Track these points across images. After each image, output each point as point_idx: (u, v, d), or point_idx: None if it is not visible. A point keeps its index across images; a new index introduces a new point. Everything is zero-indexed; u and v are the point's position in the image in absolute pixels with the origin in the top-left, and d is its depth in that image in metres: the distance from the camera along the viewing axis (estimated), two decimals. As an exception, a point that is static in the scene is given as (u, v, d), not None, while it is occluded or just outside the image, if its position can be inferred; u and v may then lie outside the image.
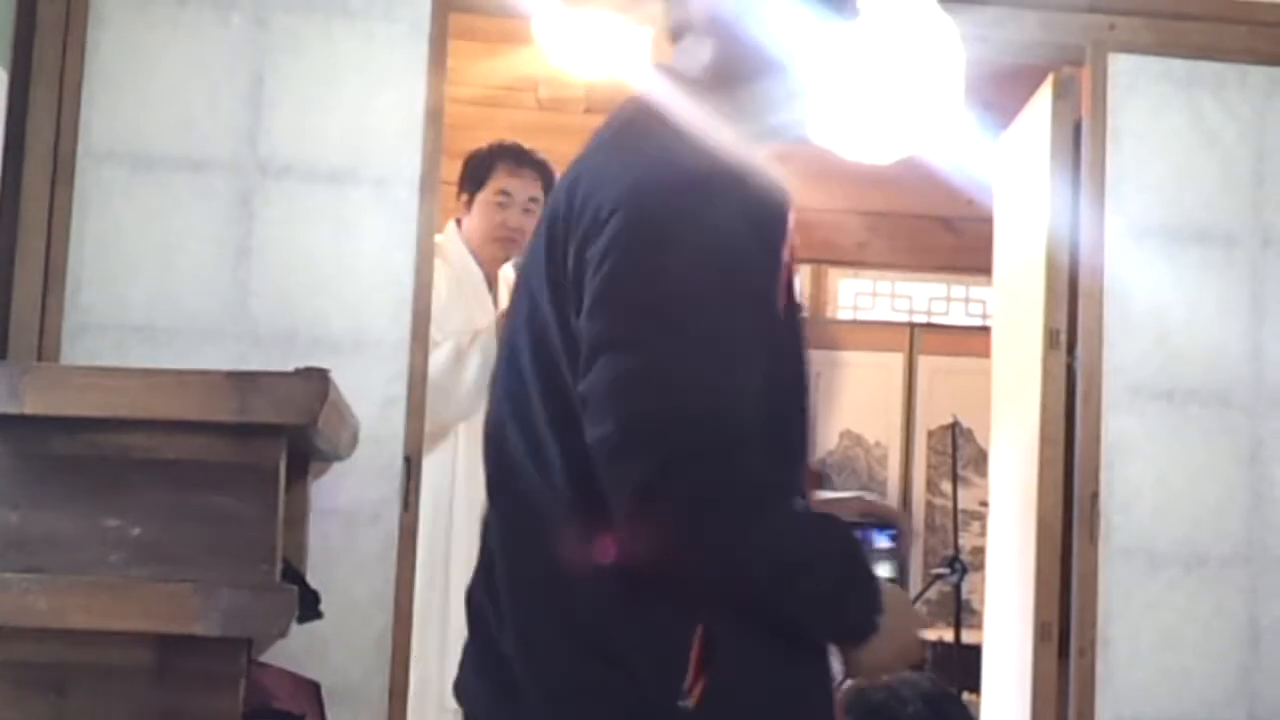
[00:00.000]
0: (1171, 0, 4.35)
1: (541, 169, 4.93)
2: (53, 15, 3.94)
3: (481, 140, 6.29)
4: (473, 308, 4.78)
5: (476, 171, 4.90)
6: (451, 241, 4.79)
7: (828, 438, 6.67)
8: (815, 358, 6.36)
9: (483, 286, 4.88)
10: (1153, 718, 4.18)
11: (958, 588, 5.54)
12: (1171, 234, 4.32)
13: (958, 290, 7.50)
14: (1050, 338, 4.51)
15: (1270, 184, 4.35)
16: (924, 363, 6.76)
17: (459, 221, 4.92)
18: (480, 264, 4.85)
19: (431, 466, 4.33)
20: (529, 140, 6.44)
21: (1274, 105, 4.38)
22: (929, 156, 4.67)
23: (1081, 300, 4.31)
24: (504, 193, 4.86)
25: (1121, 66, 4.34)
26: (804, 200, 7.08)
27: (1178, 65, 4.35)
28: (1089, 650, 4.17)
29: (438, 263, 4.35)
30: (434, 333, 4.20)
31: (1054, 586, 4.39)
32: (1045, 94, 4.63)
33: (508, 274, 4.95)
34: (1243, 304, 4.32)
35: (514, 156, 4.91)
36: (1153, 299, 4.28)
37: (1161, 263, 4.30)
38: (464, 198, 4.91)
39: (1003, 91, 4.92)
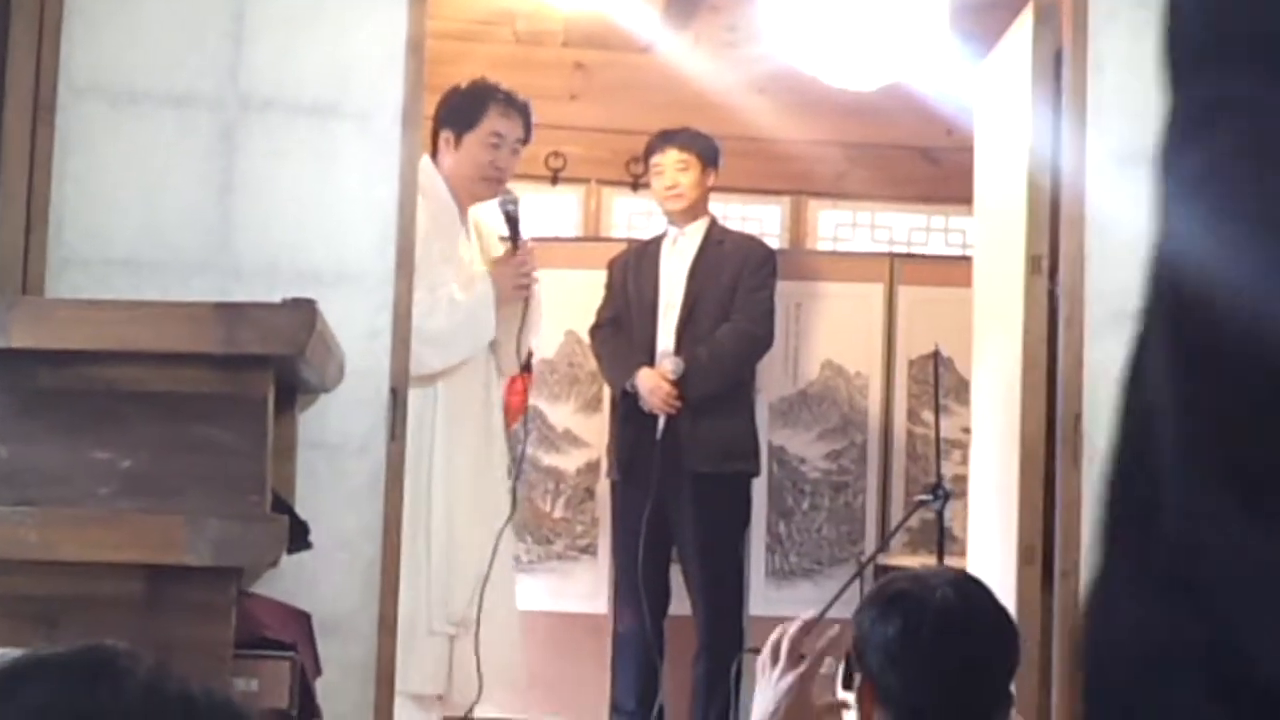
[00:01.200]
0: (1151, -75, 4.35)
1: (525, 112, 4.95)
2: (31, -50, 3.92)
3: (460, 75, 6.27)
4: (450, 243, 4.79)
5: (467, 111, 4.89)
6: (427, 176, 4.78)
7: (808, 369, 6.69)
8: (796, 289, 6.40)
9: (458, 223, 4.90)
10: (1135, 639, 4.21)
11: (940, 515, 5.56)
12: (1152, 159, 4.31)
13: (937, 220, 7.50)
14: (1032, 264, 4.52)
15: (1250, 108, 4.36)
16: (904, 293, 6.76)
17: (434, 156, 4.91)
18: (456, 200, 4.86)
19: (413, 402, 4.37)
20: (507, 75, 6.42)
21: (1254, 29, 4.37)
22: (911, 84, 4.67)
23: (1063, 226, 4.33)
24: (497, 134, 4.87)
25: (1102, -9, 4.34)
26: (783, 132, 7.12)
27: (1158, -10, 4.35)
28: (1072, 572, 4.20)
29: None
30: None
31: (1037, 510, 4.42)
32: (1026, 21, 4.63)
33: (475, 214, 4.97)
34: (1223, 228, 4.33)
35: (505, 98, 4.91)
36: (1134, 224, 4.28)
37: (1143, 188, 4.26)
38: (448, 135, 4.90)
39: (983, 19, 4.92)
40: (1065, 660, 4.16)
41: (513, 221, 4.93)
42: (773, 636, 2.71)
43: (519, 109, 4.93)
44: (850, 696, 2.58)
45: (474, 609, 4.65)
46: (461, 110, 4.89)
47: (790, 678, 2.65)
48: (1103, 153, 4.30)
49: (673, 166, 6.02)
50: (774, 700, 2.65)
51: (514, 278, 4.84)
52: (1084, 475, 4.23)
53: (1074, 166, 4.30)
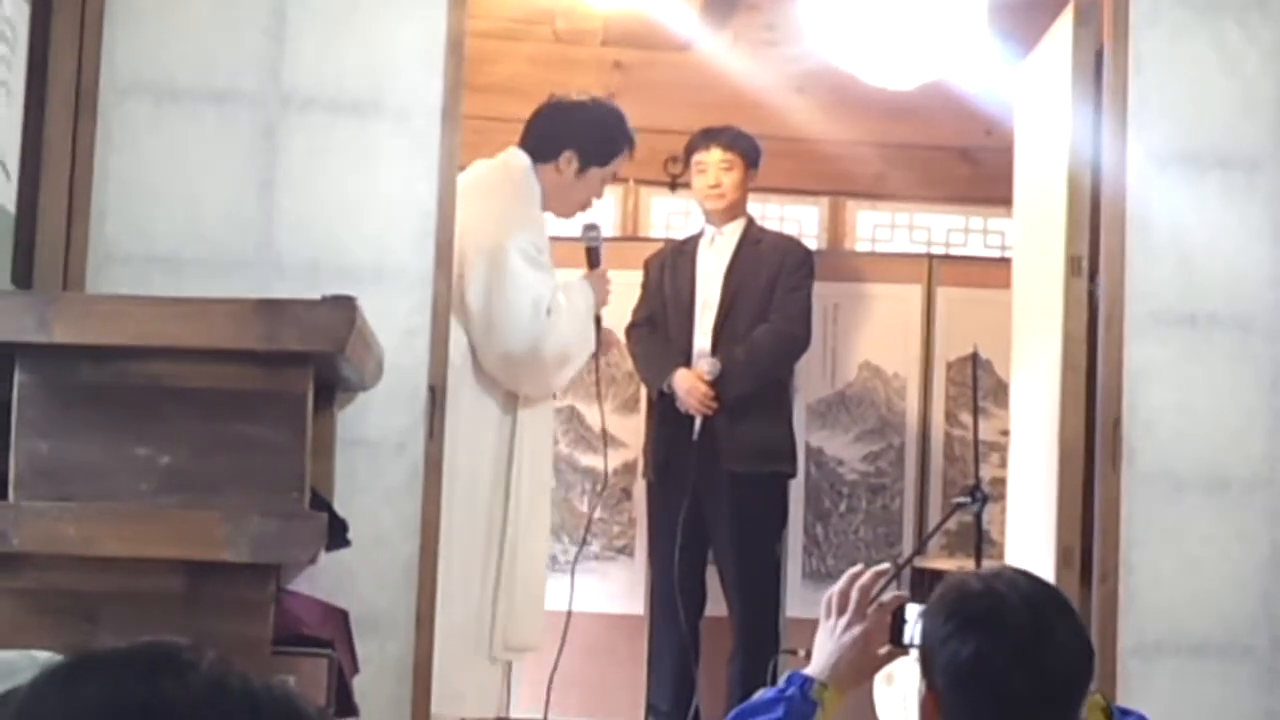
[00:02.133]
0: (1193, -75, 4.33)
1: None
2: (73, -52, 3.94)
3: (500, 74, 6.30)
4: (544, 252, 4.71)
5: (607, 145, 4.82)
6: (532, 184, 4.73)
7: (846, 370, 6.68)
8: (834, 290, 6.39)
9: (539, 218, 4.83)
10: (1175, 642, 4.20)
11: (978, 517, 5.54)
12: (1193, 160, 4.31)
13: (976, 221, 7.47)
14: (1072, 264, 4.51)
15: (1292, 109, 4.35)
16: (942, 294, 6.74)
17: (539, 164, 4.79)
18: (545, 202, 4.81)
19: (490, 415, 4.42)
20: (546, 73, 6.44)
21: (1296, 30, 4.36)
22: (950, 83, 4.66)
23: (1103, 227, 4.31)
24: (616, 175, 4.90)
25: (1143, -8, 4.32)
26: (821, 132, 7.10)
27: (1199, -10, 4.34)
28: (1111, 575, 4.19)
29: (525, 199, 4.40)
30: (533, 276, 4.35)
31: (1076, 512, 4.41)
32: (1066, 21, 4.61)
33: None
34: (1264, 229, 4.31)
35: (633, 143, 4.90)
36: (1175, 225, 4.28)
37: (1183, 188, 4.29)
38: (572, 156, 4.77)
39: (1023, 19, 4.90)
40: (1104, 664, 4.14)
41: (594, 253, 4.93)
42: (841, 583, 2.70)
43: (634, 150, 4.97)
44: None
45: (539, 635, 4.67)
46: (602, 141, 4.81)
47: (856, 630, 2.64)
48: (1143, 153, 4.28)
49: (716, 165, 6.01)
50: (836, 651, 2.65)
51: (604, 288, 4.86)
52: (1123, 477, 4.21)
53: (1114, 167, 4.29)
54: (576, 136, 4.77)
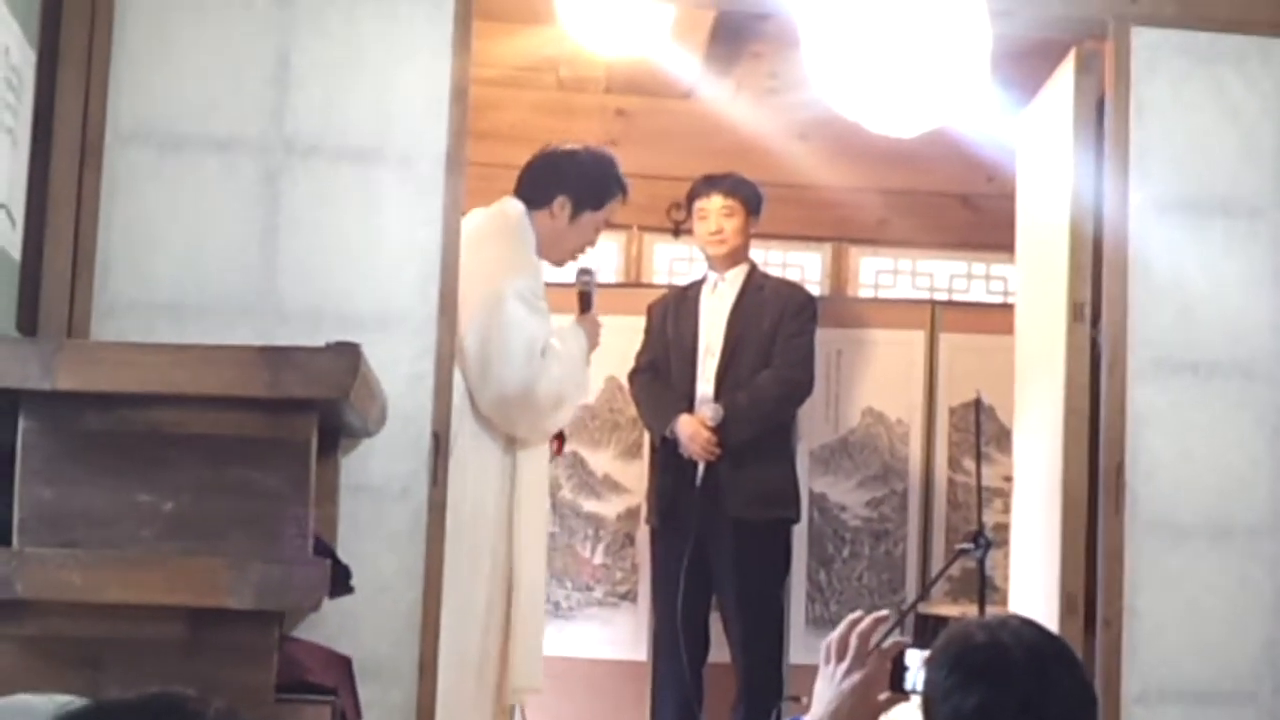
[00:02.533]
0: (1194, -27, 4.36)
1: None
2: (79, -4, 3.96)
3: (503, 120, 6.33)
4: (540, 296, 4.72)
5: (599, 189, 4.84)
6: (524, 229, 4.74)
7: (849, 416, 6.69)
8: (836, 336, 6.39)
9: (535, 264, 4.85)
10: (1179, 689, 4.19)
11: (981, 563, 5.54)
12: (1195, 207, 4.32)
13: (978, 267, 7.49)
14: (1074, 311, 4.51)
15: (1292, 156, 4.36)
16: (945, 340, 6.75)
17: (533, 211, 4.81)
18: (539, 250, 4.83)
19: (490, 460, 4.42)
20: (549, 121, 6.46)
21: (1296, 78, 4.38)
22: (953, 131, 4.67)
23: (1106, 273, 4.32)
24: (609, 222, 4.91)
25: (1144, 40, 4.34)
26: (824, 179, 7.11)
27: (1200, 39, 4.35)
28: (1115, 622, 4.18)
29: (522, 243, 4.42)
30: (530, 321, 4.37)
31: (1079, 559, 4.41)
32: (1068, 68, 4.63)
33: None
34: (1266, 276, 4.33)
35: (625, 190, 4.91)
36: (1176, 271, 4.29)
37: (1185, 235, 4.31)
38: (565, 201, 4.78)
39: (1025, 66, 4.92)
40: (1108, 711, 4.14)
41: (587, 298, 4.95)
42: (840, 629, 2.69)
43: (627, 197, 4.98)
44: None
45: (539, 677, 4.66)
46: (593, 187, 4.83)
47: (856, 677, 2.63)
48: (1145, 200, 4.30)
49: (718, 212, 6.02)
50: (836, 697, 2.64)
51: (596, 332, 4.87)
52: (1126, 524, 4.21)
53: (1116, 213, 4.30)
54: (569, 182, 4.80)
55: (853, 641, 2.67)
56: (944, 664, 2.36)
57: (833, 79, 4.02)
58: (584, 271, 4.96)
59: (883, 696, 2.66)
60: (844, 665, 2.66)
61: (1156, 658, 4.19)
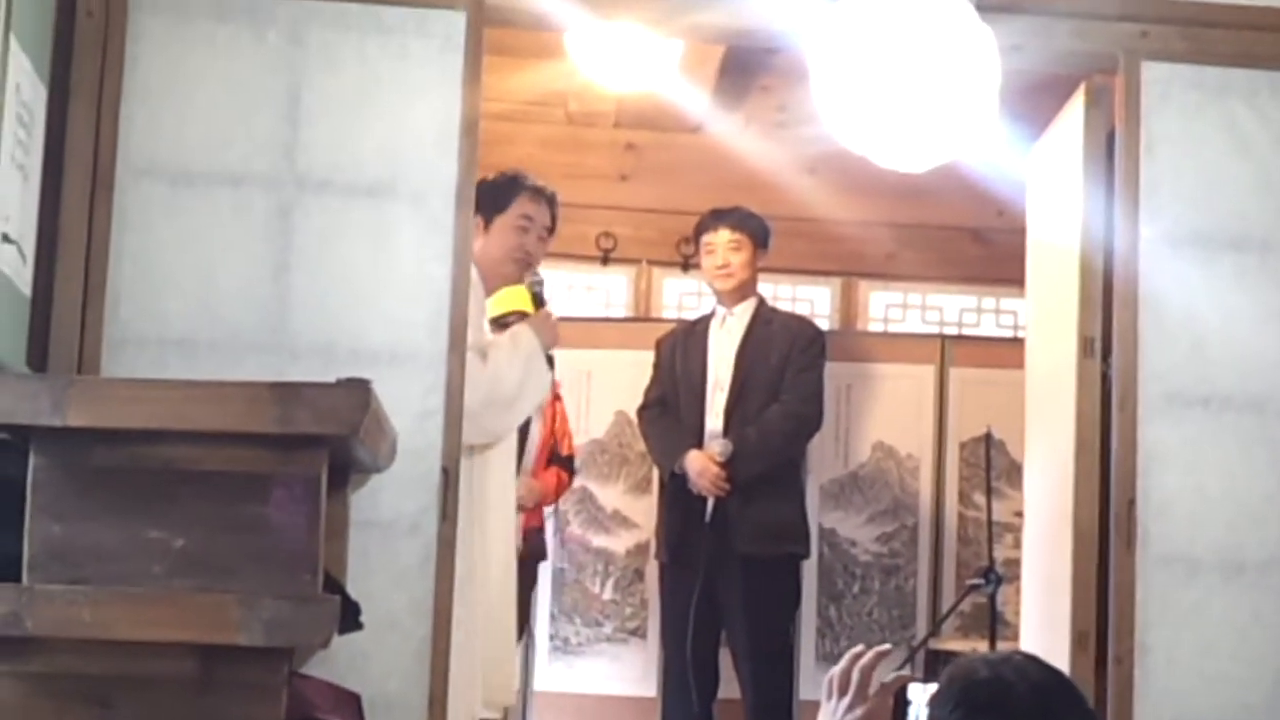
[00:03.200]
0: (1203, 8, 4.35)
1: (553, 201, 4.96)
2: (91, 31, 3.96)
3: (513, 155, 6.33)
4: (479, 322, 4.78)
5: (498, 196, 4.88)
6: None
7: (859, 450, 6.68)
8: (846, 370, 6.38)
9: (483, 305, 4.89)
10: (1192, 726, 4.18)
11: (993, 599, 5.53)
12: (1205, 241, 4.32)
13: (988, 301, 7.50)
14: (1085, 345, 4.51)
15: (1303, 191, 4.36)
16: (955, 374, 6.75)
17: None
18: (484, 283, 4.85)
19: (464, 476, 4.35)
20: (559, 155, 6.48)
21: (1307, 112, 4.38)
22: (963, 165, 4.67)
23: (1116, 308, 4.31)
24: (526, 216, 4.87)
25: (1154, 75, 4.34)
26: (833, 213, 7.12)
27: (1210, 73, 4.35)
28: (1127, 659, 4.17)
29: None
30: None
31: (1091, 595, 4.39)
32: (1078, 103, 4.63)
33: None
34: (1277, 310, 4.32)
35: (533, 186, 4.92)
36: (1187, 306, 4.28)
37: (1196, 270, 4.30)
38: (478, 220, 4.86)
39: (1035, 100, 4.92)
40: (1120, 747, 4.12)
41: (539, 300, 4.93)
42: (842, 664, 2.67)
43: (547, 197, 4.95)
44: None
45: (511, 692, 4.62)
46: (491, 196, 4.86)
47: (858, 711, 2.62)
48: (1156, 234, 4.30)
49: (725, 246, 6.02)
50: None
51: (550, 328, 4.83)
52: (1138, 559, 4.20)
53: (1127, 248, 4.30)
54: (475, 204, 4.84)
55: (855, 676, 2.66)
56: (948, 700, 2.35)
57: (842, 114, 4.02)
58: (534, 280, 4.96)
59: None
60: (846, 700, 2.64)
61: (1169, 694, 4.17)
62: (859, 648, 2.71)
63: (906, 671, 2.68)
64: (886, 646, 2.77)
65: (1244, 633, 4.21)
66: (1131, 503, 4.21)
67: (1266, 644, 4.21)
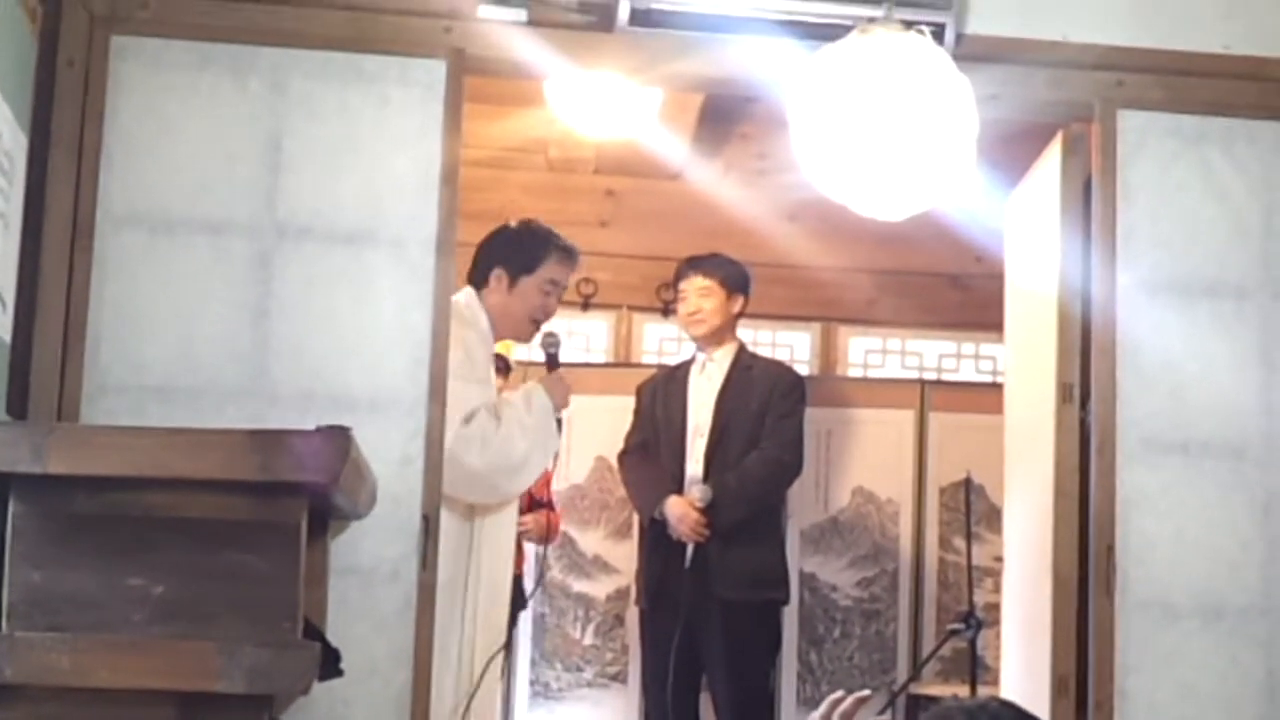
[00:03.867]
0: (1180, 57, 4.38)
1: (577, 261, 4.98)
2: (72, 81, 3.98)
3: (494, 201, 6.35)
4: (488, 374, 4.79)
5: (527, 253, 4.84)
6: (471, 309, 4.75)
7: (839, 495, 6.69)
8: (826, 415, 6.37)
9: (492, 357, 4.90)
10: (1172, 771, 4.18)
11: (973, 644, 5.53)
12: (1183, 288, 4.34)
13: (967, 347, 7.52)
14: (1064, 392, 4.53)
15: (1280, 238, 4.39)
16: (935, 419, 6.77)
17: (477, 287, 4.88)
18: (494, 335, 4.85)
19: (450, 526, 4.35)
20: (539, 201, 6.48)
21: (1283, 159, 4.41)
22: (941, 213, 4.69)
23: (1094, 354, 4.33)
24: (553, 281, 4.87)
25: (1131, 123, 4.37)
26: (813, 259, 7.13)
27: (1187, 121, 4.38)
28: (1106, 704, 4.17)
29: (460, 321, 4.39)
30: (465, 390, 4.31)
31: (1070, 640, 4.40)
32: (1055, 151, 4.66)
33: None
34: (1254, 357, 4.34)
35: (563, 247, 4.89)
36: (1165, 352, 4.30)
37: (1173, 316, 4.32)
38: (501, 274, 4.81)
39: (1013, 148, 4.95)
40: (1100, 793, 4.13)
41: (553, 361, 4.93)
42: (822, 709, 2.68)
43: (575, 259, 4.95)
44: None
45: None
46: (519, 251, 4.84)
47: None
48: (1133, 281, 4.32)
49: (695, 292, 6.02)
50: None
51: (563, 390, 4.84)
52: (1117, 605, 4.21)
53: (1104, 295, 4.32)
54: (499, 255, 4.82)
55: None
56: None
57: (821, 162, 4.04)
58: (548, 334, 4.96)
59: None
60: None
61: (1149, 740, 4.18)
62: (839, 693, 2.71)
63: (886, 717, 2.69)
64: (866, 692, 2.78)
65: (1223, 677, 4.22)
66: (1110, 548, 4.22)
67: (1245, 688, 4.21)
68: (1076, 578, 4.43)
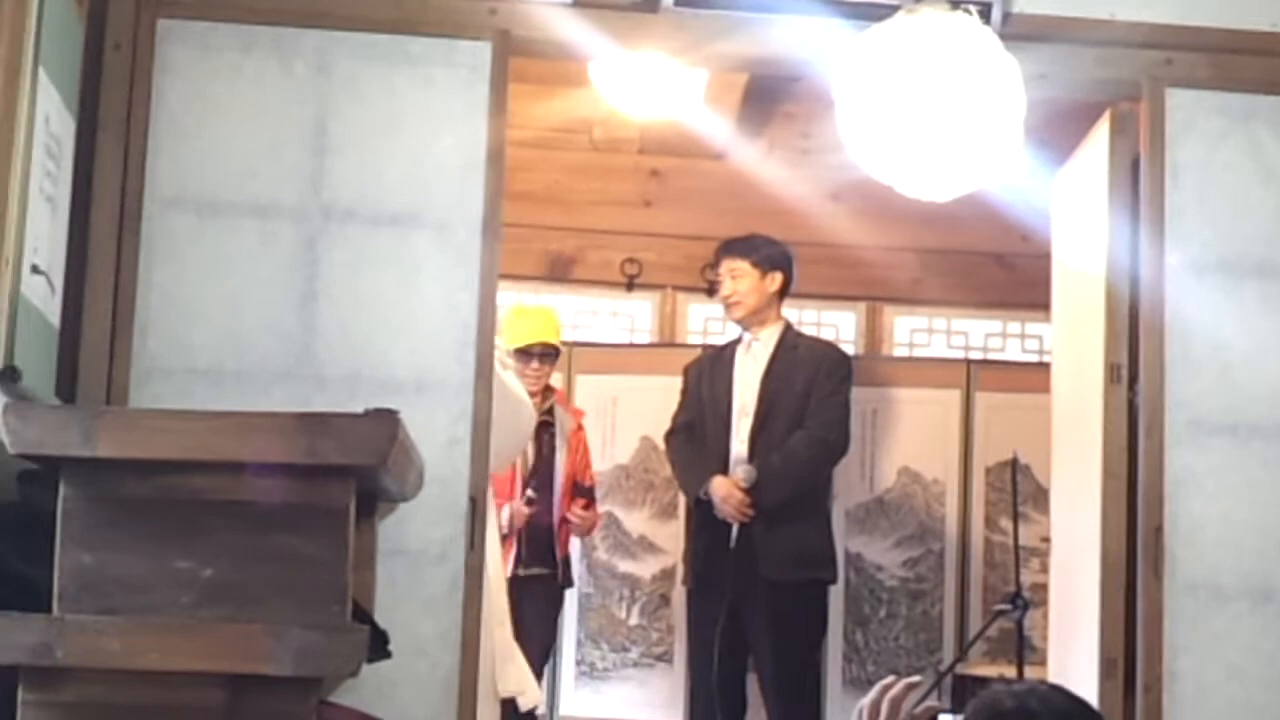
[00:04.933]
0: (1228, 35, 4.35)
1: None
2: (119, 64, 3.99)
3: (538, 181, 6.34)
4: None
5: None
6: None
7: (885, 475, 6.68)
8: (871, 395, 6.36)
9: None
10: (1220, 753, 4.16)
11: (1020, 624, 5.51)
12: (1231, 267, 4.31)
13: (1013, 326, 7.49)
14: (1112, 372, 4.50)
15: (1329, 216, 4.35)
16: (981, 399, 6.75)
17: None
18: None
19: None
20: (583, 181, 6.48)
21: (1332, 137, 4.37)
22: (988, 193, 4.67)
23: (1143, 335, 4.31)
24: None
25: (1179, 101, 4.34)
26: (859, 238, 7.12)
27: (1235, 99, 4.35)
28: (1155, 686, 4.15)
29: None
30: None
31: (1119, 622, 4.38)
32: (1103, 130, 4.63)
33: None
34: (1303, 337, 4.31)
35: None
36: (1214, 333, 4.27)
37: (1222, 296, 4.29)
38: None
39: (1060, 127, 4.92)
40: (1148, 775, 4.11)
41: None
42: (872, 694, 2.68)
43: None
44: None
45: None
46: None
47: None
48: (1181, 261, 4.29)
49: (729, 275, 6.02)
50: None
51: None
52: (1165, 587, 4.19)
53: (1152, 275, 4.29)
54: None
55: (884, 707, 2.66)
56: None
57: (866, 142, 4.03)
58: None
59: None
60: None
61: (1197, 721, 4.17)
62: (889, 678, 2.71)
63: (934, 701, 2.68)
64: (916, 678, 2.78)
65: (1272, 659, 4.19)
66: (1159, 529, 4.20)
67: (1294, 671, 4.20)
68: (1124, 559, 4.41)
